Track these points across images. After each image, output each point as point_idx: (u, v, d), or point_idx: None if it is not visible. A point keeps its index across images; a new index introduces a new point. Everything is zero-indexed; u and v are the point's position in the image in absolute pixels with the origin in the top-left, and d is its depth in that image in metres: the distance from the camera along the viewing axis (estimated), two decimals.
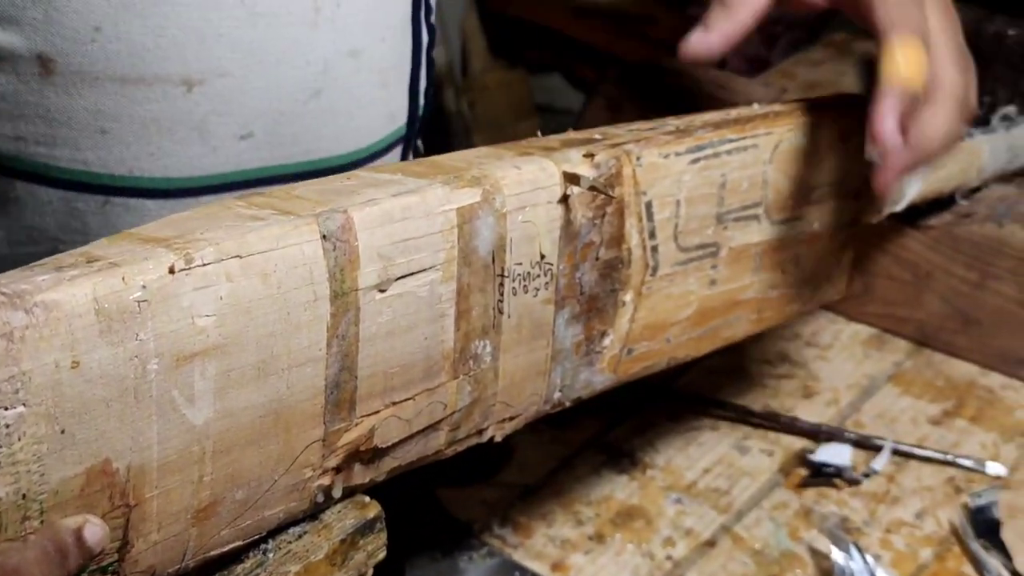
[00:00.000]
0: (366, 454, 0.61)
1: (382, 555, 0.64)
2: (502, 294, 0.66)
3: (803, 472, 0.94)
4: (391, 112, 0.99)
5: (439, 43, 2.29)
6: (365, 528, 0.62)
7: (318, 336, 0.57)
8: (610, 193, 0.69)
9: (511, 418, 0.70)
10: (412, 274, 0.61)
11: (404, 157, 1.03)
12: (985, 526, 0.89)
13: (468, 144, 2.28)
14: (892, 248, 1.04)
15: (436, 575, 0.82)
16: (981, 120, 1.16)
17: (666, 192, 0.76)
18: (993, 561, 0.86)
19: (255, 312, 0.54)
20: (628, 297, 0.74)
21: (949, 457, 0.95)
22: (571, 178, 0.67)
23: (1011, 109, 1.14)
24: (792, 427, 0.98)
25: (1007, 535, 0.88)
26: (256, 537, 0.59)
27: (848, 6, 0.87)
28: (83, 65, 0.86)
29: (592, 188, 0.68)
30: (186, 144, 0.88)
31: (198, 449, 0.53)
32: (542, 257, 0.68)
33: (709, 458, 0.96)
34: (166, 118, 0.88)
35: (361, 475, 0.62)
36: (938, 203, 1.05)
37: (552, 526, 0.89)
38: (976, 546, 0.87)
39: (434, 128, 2.32)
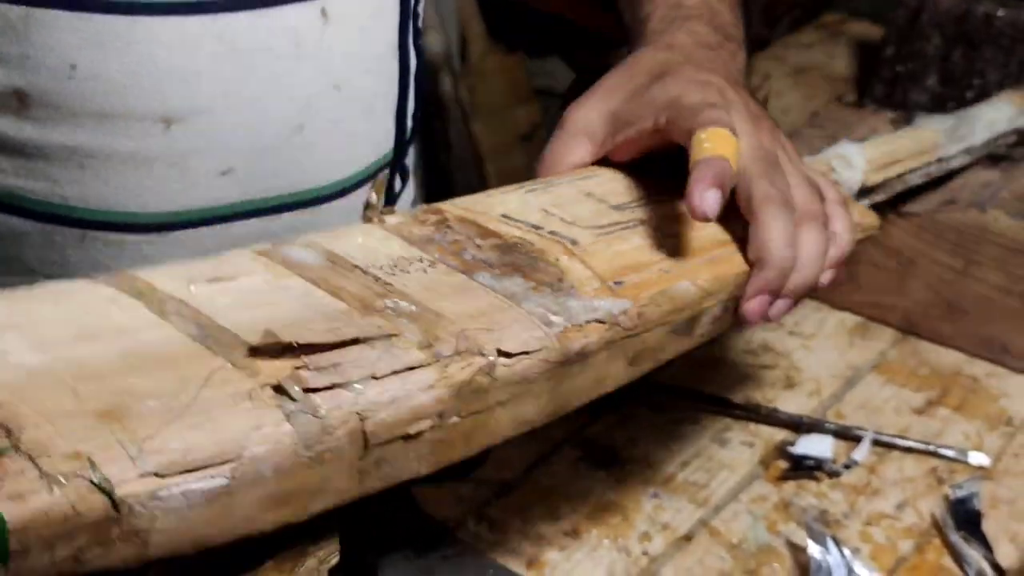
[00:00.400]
0: (304, 360, 0.56)
1: (335, 560, 0.62)
2: (376, 276, 0.64)
3: (783, 464, 0.92)
4: (377, 140, 0.97)
5: (435, 29, 2.26)
6: (315, 533, 0.61)
7: (141, 314, 0.56)
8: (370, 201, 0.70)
9: (515, 341, 0.63)
10: (228, 278, 0.60)
11: (391, 179, 1.01)
12: (966, 517, 0.87)
13: (466, 131, 2.22)
14: (876, 235, 1.02)
15: (409, 574, 0.80)
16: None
17: (519, 208, 0.74)
18: (974, 553, 0.84)
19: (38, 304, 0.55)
20: (562, 258, 0.70)
21: (931, 447, 0.93)
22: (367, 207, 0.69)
23: None
24: (772, 418, 0.96)
25: (988, 526, 0.86)
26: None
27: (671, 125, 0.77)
28: (60, 101, 0.85)
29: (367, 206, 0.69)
30: (165, 180, 0.87)
31: (51, 378, 0.51)
32: (400, 258, 0.66)
33: (688, 451, 0.94)
34: (144, 155, 0.86)
35: (319, 378, 0.56)
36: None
37: (528, 523, 0.87)
38: (956, 538, 0.85)
39: (431, 114, 2.28)
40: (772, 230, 0.74)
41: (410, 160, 1.07)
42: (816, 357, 1.03)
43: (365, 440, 0.56)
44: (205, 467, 0.50)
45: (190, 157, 0.88)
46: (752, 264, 0.75)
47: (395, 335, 0.59)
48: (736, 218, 0.78)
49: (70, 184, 0.87)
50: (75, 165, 0.87)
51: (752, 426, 0.96)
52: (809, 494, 0.90)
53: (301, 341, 0.56)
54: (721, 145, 0.73)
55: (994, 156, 1.09)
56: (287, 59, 0.88)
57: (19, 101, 0.85)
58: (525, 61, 2.28)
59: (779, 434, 0.95)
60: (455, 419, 0.60)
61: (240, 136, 0.89)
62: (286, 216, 0.94)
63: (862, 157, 0.96)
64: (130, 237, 0.90)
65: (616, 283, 0.70)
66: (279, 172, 0.92)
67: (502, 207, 0.75)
